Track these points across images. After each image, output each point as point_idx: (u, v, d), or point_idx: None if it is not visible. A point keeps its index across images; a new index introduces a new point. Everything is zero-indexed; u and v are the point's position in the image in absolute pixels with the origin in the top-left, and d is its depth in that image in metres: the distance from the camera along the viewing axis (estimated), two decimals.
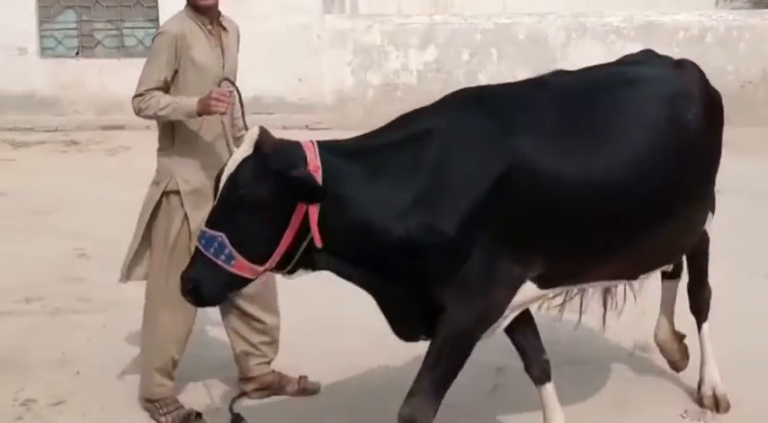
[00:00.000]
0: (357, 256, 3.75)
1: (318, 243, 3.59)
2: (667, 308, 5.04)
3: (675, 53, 13.31)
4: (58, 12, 14.54)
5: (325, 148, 3.71)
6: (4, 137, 13.42)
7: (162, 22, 13.94)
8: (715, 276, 4.97)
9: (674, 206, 4.13)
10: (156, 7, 14.17)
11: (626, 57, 4.67)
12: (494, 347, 4.50)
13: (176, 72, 4.54)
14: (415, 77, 14.19)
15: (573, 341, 5.42)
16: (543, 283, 3.94)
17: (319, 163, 3.60)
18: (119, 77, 13.98)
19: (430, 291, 3.75)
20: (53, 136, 13.72)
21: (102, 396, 4.98)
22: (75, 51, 14.57)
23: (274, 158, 3.58)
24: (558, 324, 5.07)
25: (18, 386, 5.13)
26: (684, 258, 4.77)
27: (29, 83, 14.15)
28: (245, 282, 3.69)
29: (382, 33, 14.26)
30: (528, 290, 3.89)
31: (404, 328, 3.92)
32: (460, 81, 13.91)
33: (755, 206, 8.75)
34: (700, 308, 4.89)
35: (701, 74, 4.44)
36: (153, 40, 4.68)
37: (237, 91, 4.44)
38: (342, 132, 12.01)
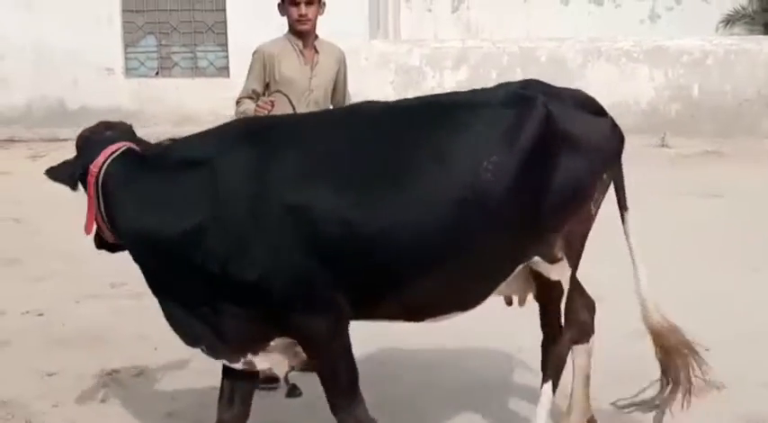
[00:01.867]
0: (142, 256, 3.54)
1: (85, 230, 3.52)
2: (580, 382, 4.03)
3: (680, 74, 13.14)
4: (141, 37, 14.64)
5: (129, 154, 3.53)
6: None
7: (231, 46, 14.23)
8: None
9: (463, 251, 3.37)
10: (225, 33, 14.25)
11: (499, 85, 3.84)
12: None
13: (268, 85, 4.77)
14: None
15: None
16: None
17: (103, 165, 3.44)
18: (192, 94, 14.16)
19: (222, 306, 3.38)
20: None
21: (176, 369, 5.03)
22: (156, 71, 14.68)
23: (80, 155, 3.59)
24: None
25: (105, 359, 5.18)
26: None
27: (115, 99, 14.26)
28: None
29: (421, 56, 14.25)
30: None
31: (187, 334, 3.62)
32: None
33: (752, 206, 8.64)
34: (546, 365, 3.83)
35: (545, 110, 3.47)
36: (253, 53, 4.86)
37: (290, 100, 4.63)
38: None
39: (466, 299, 3.55)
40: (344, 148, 3.39)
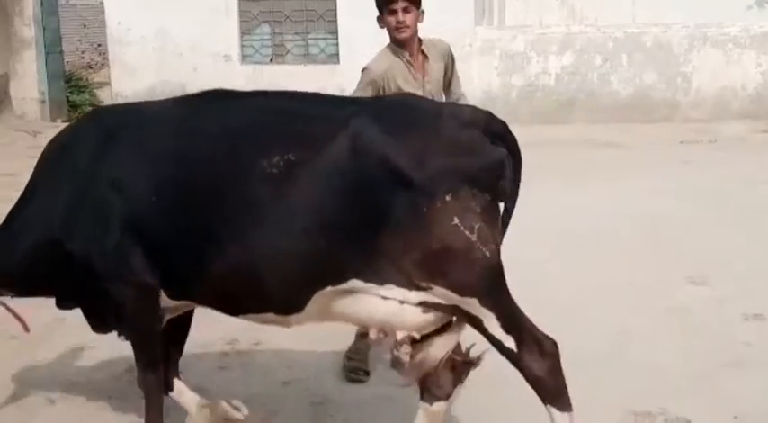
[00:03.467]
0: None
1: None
2: None
3: None
4: (256, 26, 14.90)
5: None
6: None
7: (341, 34, 14.37)
8: None
9: (259, 250, 3.23)
10: (335, 21, 14.40)
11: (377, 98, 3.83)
12: None
13: None
14: (554, 80, 14.00)
15: None
16: (169, 293, 3.51)
17: None
18: (304, 80, 14.31)
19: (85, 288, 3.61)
20: None
21: (293, 340, 5.13)
22: (270, 58, 14.93)
23: None
24: None
25: (226, 329, 5.25)
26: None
27: (231, 84, 14.46)
28: None
29: (525, 42, 14.11)
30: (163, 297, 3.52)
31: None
32: (594, 83, 13.72)
33: None
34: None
35: (355, 131, 3.17)
36: (362, 71, 4.53)
37: None
38: None
39: (273, 299, 3.34)
40: (180, 140, 3.42)
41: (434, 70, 4.58)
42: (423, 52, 4.54)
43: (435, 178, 3.10)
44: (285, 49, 14.84)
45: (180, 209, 3.32)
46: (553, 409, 3.24)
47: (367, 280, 3.17)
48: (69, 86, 16.45)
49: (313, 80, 14.20)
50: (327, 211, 3.14)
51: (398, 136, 3.18)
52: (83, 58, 19.41)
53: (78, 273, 3.54)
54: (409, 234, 3.10)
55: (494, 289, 3.20)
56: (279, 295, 3.30)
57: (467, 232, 3.09)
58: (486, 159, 3.20)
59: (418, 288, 3.15)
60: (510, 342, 3.20)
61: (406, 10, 4.35)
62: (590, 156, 10.92)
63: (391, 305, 3.20)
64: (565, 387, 3.26)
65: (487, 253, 3.12)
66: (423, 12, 4.44)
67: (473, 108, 3.44)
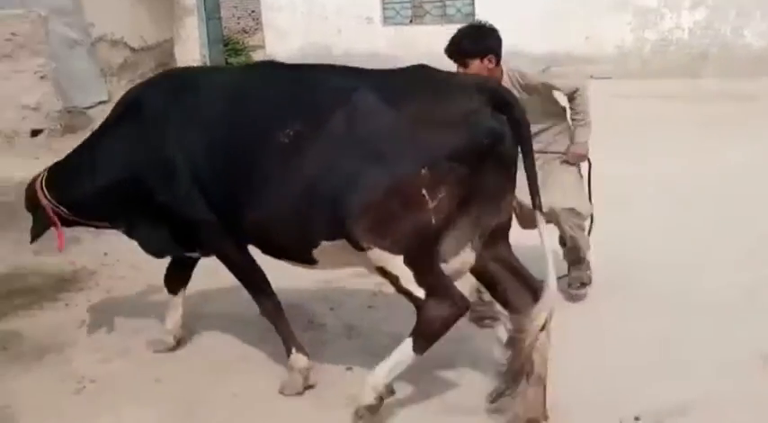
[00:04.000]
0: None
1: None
2: None
3: None
4: None
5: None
6: None
7: None
8: None
9: (274, 200, 3.53)
10: None
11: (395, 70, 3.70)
12: None
13: None
14: (687, 34, 13.51)
15: None
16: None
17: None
18: (442, 40, 14.35)
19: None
20: None
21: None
22: (409, 20, 15.03)
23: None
24: None
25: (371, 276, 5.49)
26: None
27: (373, 45, 14.75)
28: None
29: None
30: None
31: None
32: (727, 37, 13.19)
33: None
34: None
35: (355, 98, 3.40)
36: None
37: None
38: (621, 81, 11.72)
39: (288, 246, 3.66)
40: (227, 105, 3.73)
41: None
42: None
43: (417, 152, 3.27)
44: (424, 11, 14.90)
45: (224, 165, 3.66)
46: (409, 341, 3.48)
47: (345, 237, 3.41)
48: (227, 50, 17.05)
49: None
50: (325, 176, 3.36)
51: (392, 109, 3.34)
52: (238, 23, 19.98)
53: (148, 210, 3.98)
54: (379, 200, 3.30)
55: (424, 252, 3.38)
56: (291, 245, 3.64)
57: (430, 202, 3.26)
58: (479, 129, 3.30)
59: (359, 248, 3.38)
60: (419, 292, 3.41)
61: (464, 65, 4.45)
62: (724, 109, 10.55)
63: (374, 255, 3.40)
64: (436, 339, 3.46)
65: (434, 220, 3.29)
66: (494, 55, 4.47)
67: (478, 78, 3.69)
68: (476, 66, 4.43)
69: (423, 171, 3.25)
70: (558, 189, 4.63)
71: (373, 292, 5.14)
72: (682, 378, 3.95)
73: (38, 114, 9.62)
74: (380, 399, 3.54)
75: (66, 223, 4.37)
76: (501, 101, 3.39)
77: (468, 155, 3.28)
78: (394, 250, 3.35)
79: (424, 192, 3.25)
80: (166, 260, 4.52)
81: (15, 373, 4.31)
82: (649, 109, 10.38)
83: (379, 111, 3.36)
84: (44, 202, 4.27)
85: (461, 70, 4.44)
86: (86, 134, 6.47)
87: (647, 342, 4.33)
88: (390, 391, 3.61)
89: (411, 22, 14.97)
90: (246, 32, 19.83)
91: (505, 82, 4.48)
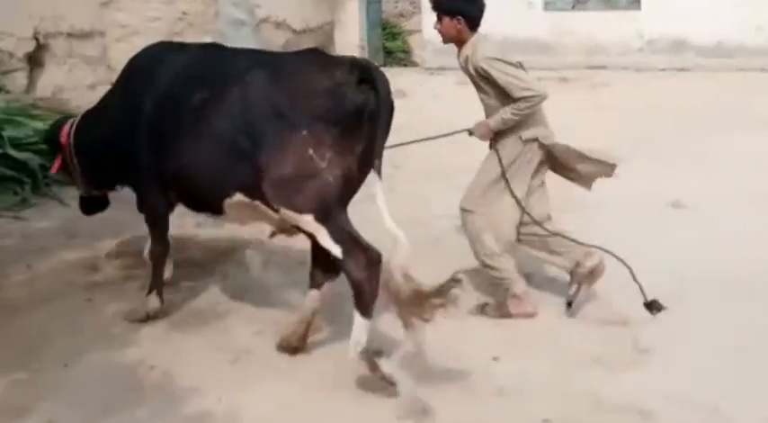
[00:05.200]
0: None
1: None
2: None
3: None
4: None
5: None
6: None
7: None
8: None
9: (197, 158, 4.14)
10: None
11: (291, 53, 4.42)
12: None
13: None
14: None
15: None
16: None
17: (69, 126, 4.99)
18: (604, 26, 14.04)
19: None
20: (548, 73, 14.02)
21: None
22: (572, 5, 14.73)
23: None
24: None
25: (521, 263, 5.35)
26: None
27: (533, 30, 14.59)
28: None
29: None
30: None
31: None
32: None
33: None
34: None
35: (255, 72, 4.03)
36: None
37: None
38: None
39: (202, 200, 4.33)
40: (173, 76, 4.36)
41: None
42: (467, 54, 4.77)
43: (297, 117, 3.85)
44: None
45: (161, 124, 4.30)
46: (357, 313, 3.84)
47: (250, 196, 4.03)
48: (385, 34, 17.22)
49: (612, 26, 13.87)
50: (226, 140, 4.00)
51: (276, 85, 3.96)
52: (396, 7, 20.11)
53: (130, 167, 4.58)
54: (274, 160, 3.85)
55: (331, 208, 3.87)
56: (203, 198, 4.27)
57: (319, 161, 3.80)
58: (345, 100, 3.84)
59: (264, 202, 3.96)
60: (336, 250, 3.83)
61: (439, 20, 4.76)
62: None
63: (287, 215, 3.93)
64: (374, 296, 3.82)
65: (331, 179, 3.82)
66: (460, 18, 4.68)
67: (353, 58, 4.10)
68: (446, 22, 4.75)
69: (304, 132, 3.82)
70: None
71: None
72: None
73: None
74: (374, 362, 3.85)
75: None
76: (368, 76, 3.89)
77: (338, 119, 3.84)
78: (302, 209, 3.88)
79: (311, 152, 3.81)
80: None
81: (176, 340, 4.53)
82: None
83: (268, 83, 3.99)
84: (64, 140, 4.97)
85: (437, 25, 4.78)
86: None
87: None
88: (377, 352, 3.96)
89: (573, 8, 14.68)
90: (404, 16, 19.94)
91: (465, 50, 4.75)
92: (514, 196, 4.74)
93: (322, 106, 3.85)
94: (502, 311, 4.78)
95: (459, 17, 4.68)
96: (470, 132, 4.85)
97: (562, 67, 14.18)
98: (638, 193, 6.95)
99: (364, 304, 3.84)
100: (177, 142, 4.20)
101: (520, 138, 4.75)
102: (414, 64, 16.70)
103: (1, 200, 6.76)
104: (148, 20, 9.32)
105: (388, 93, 3.95)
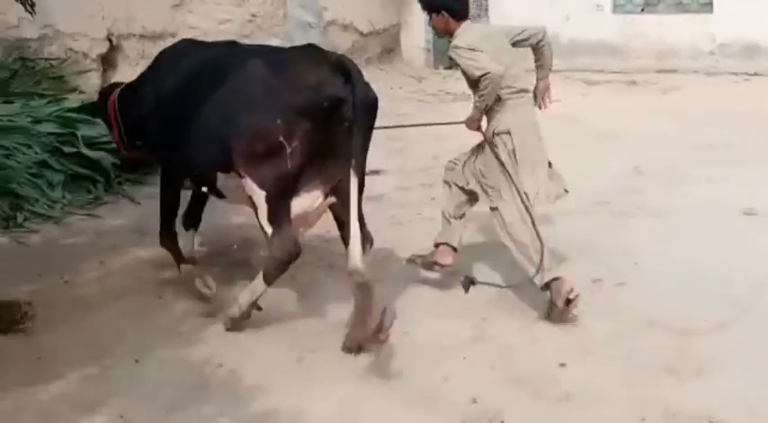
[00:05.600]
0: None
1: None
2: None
3: None
4: None
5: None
6: (579, 76, 13.83)
7: None
8: None
9: (191, 141, 4.61)
10: None
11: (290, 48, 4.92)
12: None
13: None
14: None
15: None
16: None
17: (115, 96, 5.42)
18: (674, 29, 13.77)
19: None
20: (617, 76, 13.87)
21: (657, 281, 5.12)
22: (641, 8, 14.47)
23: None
24: None
25: (590, 268, 5.40)
26: None
27: (601, 33, 14.38)
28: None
29: None
30: None
31: None
32: None
33: None
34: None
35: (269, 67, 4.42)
36: None
37: None
38: None
39: (202, 177, 4.81)
40: (187, 67, 4.84)
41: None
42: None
43: (274, 106, 4.24)
44: None
45: (172, 112, 4.73)
46: (259, 277, 4.48)
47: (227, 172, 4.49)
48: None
49: (683, 29, 13.61)
50: (220, 119, 4.40)
51: (267, 75, 4.36)
52: None
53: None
54: (251, 139, 4.29)
55: (280, 191, 4.31)
56: (201, 176, 4.78)
57: (287, 147, 4.21)
58: (321, 98, 4.19)
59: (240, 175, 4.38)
60: (268, 228, 4.38)
61: (429, 16, 5.03)
62: None
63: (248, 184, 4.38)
64: (279, 275, 4.47)
65: (290, 166, 4.23)
66: (443, 15, 4.89)
67: (338, 56, 4.45)
68: (434, 18, 5.00)
69: (278, 121, 4.21)
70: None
71: (590, 290, 5.08)
72: None
73: None
74: (244, 316, 4.59)
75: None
76: (348, 75, 4.21)
77: (312, 113, 4.20)
78: (261, 185, 4.33)
79: (281, 138, 4.21)
80: (402, 243, 5.05)
81: (242, 339, 4.58)
82: None
83: (257, 75, 4.39)
84: (111, 110, 5.41)
85: (430, 22, 5.09)
86: None
87: None
88: (257, 307, 4.68)
89: (643, 10, 14.42)
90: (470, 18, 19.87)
91: (454, 41, 4.90)
92: (516, 188, 4.77)
93: (299, 100, 4.22)
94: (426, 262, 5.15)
95: (443, 12, 4.91)
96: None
97: (631, 71, 13.96)
98: (709, 200, 6.81)
99: (268, 273, 4.45)
100: (178, 124, 4.68)
101: (494, 132, 4.89)
102: None
103: (75, 198, 6.92)
104: (219, 22, 9.47)
105: (368, 93, 4.27)
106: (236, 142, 4.34)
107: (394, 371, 4.17)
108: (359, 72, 4.28)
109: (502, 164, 4.82)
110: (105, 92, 5.68)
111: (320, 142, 4.26)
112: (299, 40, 11.55)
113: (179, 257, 5.25)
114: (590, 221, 6.43)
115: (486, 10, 16.32)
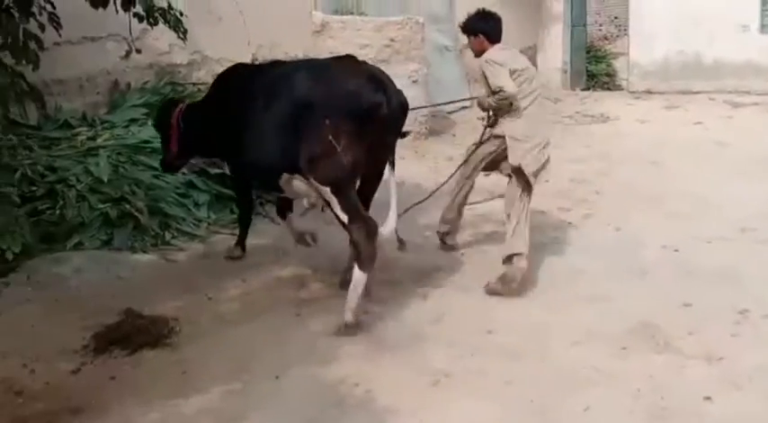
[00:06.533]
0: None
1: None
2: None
3: None
4: None
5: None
6: (724, 98, 13.35)
7: None
8: None
9: (260, 147, 5.17)
10: None
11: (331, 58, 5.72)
12: None
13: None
14: None
15: None
16: None
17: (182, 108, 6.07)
18: None
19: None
20: (763, 99, 13.30)
21: None
22: None
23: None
24: None
25: (735, 297, 5.19)
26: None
27: (748, 53, 13.85)
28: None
29: None
30: None
31: None
32: None
33: None
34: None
35: (327, 80, 4.98)
36: None
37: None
38: None
39: (266, 179, 5.42)
40: (249, 87, 5.40)
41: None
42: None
43: (321, 110, 4.77)
44: None
45: (242, 126, 5.29)
46: (356, 267, 4.91)
47: (292, 173, 5.07)
48: (588, 57, 16.89)
49: None
50: (282, 129, 4.96)
51: (311, 86, 4.95)
52: (600, 29, 19.71)
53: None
54: (306, 144, 4.83)
55: (343, 184, 4.87)
56: (266, 178, 5.39)
57: (337, 146, 4.72)
58: (361, 102, 4.80)
59: (306, 177, 4.97)
60: (344, 217, 4.89)
61: (468, 38, 5.95)
62: None
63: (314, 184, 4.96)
64: (372, 256, 4.90)
65: (345, 162, 4.76)
66: (480, 37, 5.80)
67: (373, 68, 5.18)
68: (472, 40, 5.88)
69: (326, 122, 4.74)
70: None
71: (736, 321, 4.91)
72: None
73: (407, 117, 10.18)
74: (357, 317, 4.92)
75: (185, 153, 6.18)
76: (382, 84, 4.94)
77: (354, 115, 4.77)
78: (324, 182, 4.88)
79: (330, 137, 4.73)
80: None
81: (376, 359, 4.60)
82: None
83: (305, 84, 4.99)
84: (174, 122, 5.96)
85: (469, 44, 5.99)
86: (449, 138, 9.16)
87: None
88: (363, 311, 5.04)
89: None
90: (607, 39, 19.53)
91: (483, 58, 5.72)
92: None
93: (342, 104, 4.79)
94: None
95: (481, 35, 5.79)
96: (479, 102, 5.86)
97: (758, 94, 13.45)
98: None
99: (361, 261, 4.88)
100: (245, 135, 5.25)
101: (492, 132, 5.79)
102: (618, 87, 16.25)
103: (219, 217, 7.14)
104: (358, 47, 9.61)
105: (399, 100, 5.03)
106: (298, 147, 4.87)
107: (532, 397, 4.09)
108: (390, 80, 5.05)
109: (474, 151, 5.96)
110: (167, 105, 6.31)
111: (362, 140, 4.81)
112: (436, 63, 11.63)
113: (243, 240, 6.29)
114: (735, 249, 6.19)
115: (626, 30, 15.99)
